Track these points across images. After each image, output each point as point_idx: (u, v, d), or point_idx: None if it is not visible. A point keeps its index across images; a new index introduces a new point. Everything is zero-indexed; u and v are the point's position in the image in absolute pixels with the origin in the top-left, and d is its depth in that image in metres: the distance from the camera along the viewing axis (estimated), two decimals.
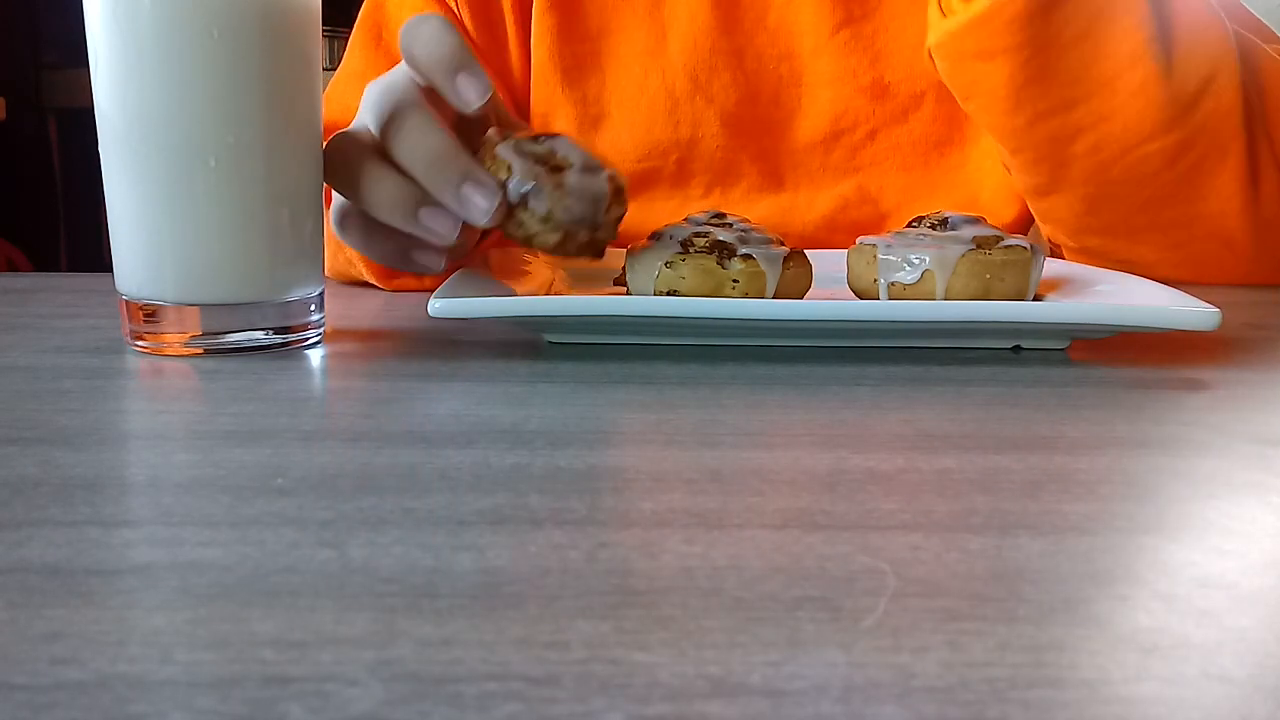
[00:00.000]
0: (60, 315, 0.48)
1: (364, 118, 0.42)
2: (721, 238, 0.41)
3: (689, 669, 0.16)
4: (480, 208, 0.39)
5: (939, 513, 0.23)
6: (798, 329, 0.40)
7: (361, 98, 0.43)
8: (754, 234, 0.41)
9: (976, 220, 0.43)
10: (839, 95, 0.68)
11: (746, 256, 0.40)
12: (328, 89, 0.72)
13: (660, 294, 0.40)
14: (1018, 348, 0.41)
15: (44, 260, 1.94)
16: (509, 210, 0.39)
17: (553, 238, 0.40)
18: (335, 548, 0.20)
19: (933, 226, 0.43)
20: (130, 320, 0.39)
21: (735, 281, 0.40)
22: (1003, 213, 0.68)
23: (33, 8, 1.94)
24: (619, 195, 0.41)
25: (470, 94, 0.39)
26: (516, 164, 0.40)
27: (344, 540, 0.21)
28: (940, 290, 0.40)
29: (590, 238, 0.40)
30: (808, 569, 0.20)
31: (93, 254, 1.95)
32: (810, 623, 0.17)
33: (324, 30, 0.41)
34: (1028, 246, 0.41)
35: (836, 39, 0.67)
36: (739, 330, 0.40)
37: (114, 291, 0.40)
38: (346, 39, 0.72)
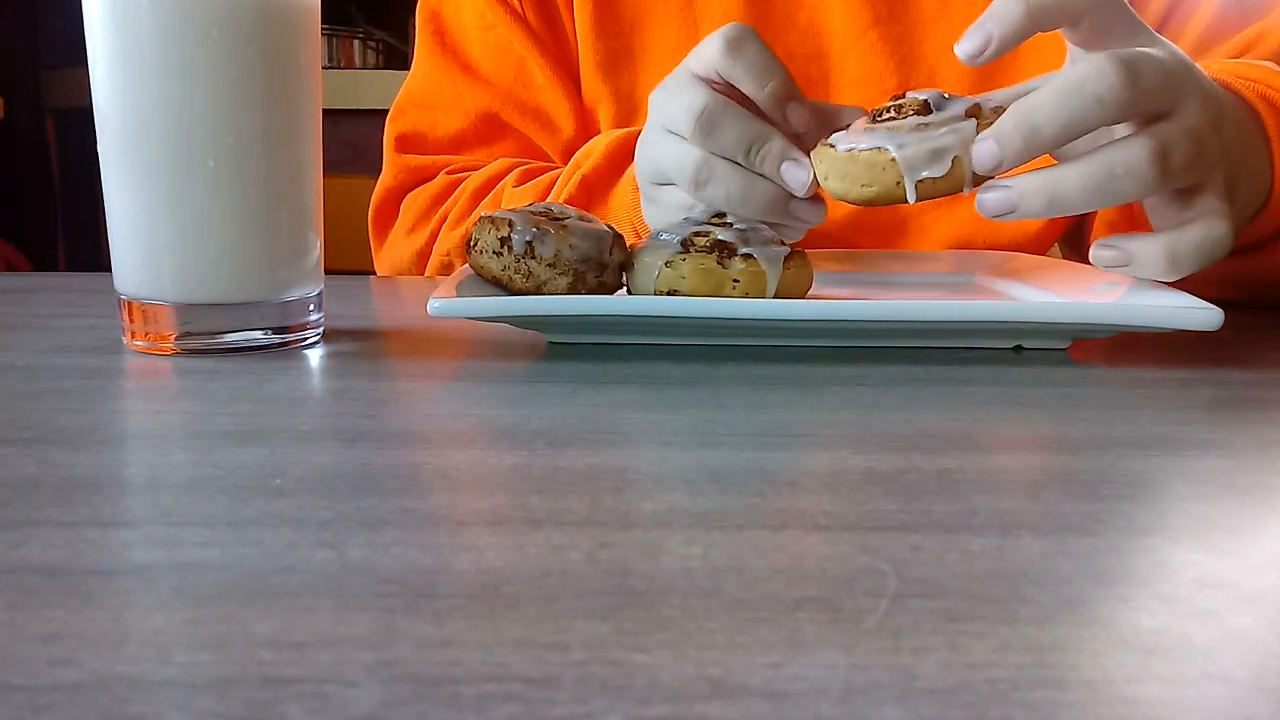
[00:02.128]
0: (60, 315, 0.48)
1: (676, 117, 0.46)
2: (722, 237, 0.41)
3: (689, 670, 0.16)
4: (799, 179, 0.44)
5: (939, 513, 0.23)
6: (798, 329, 0.40)
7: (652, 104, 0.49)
8: (754, 233, 0.41)
9: (944, 97, 0.41)
10: (865, 97, 0.68)
11: (747, 256, 0.40)
12: (401, 97, 0.74)
13: (660, 294, 0.40)
14: (1018, 348, 0.41)
15: (43, 260, 1.93)
16: (515, 262, 0.40)
17: (562, 282, 0.40)
18: (334, 548, 0.20)
19: (917, 112, 0.41)
20: (129, 320, 0.39)
21: (735, 281, 0.39)
22: (1026, 224, 0.67)
23: (33, 8, 1.94)
24: (619, 240, 0.42)
25: (798, 124, 0.46)
26: (516, 217, 0.41)
27: (343, 540, 0.21)
28: (968, 174, 0.39)
29: (598, 281, 0.41)
30: (808, 569, 0.20)
31: (92, 254, 1.95)
32: (810, 623, 0.17)
33: (324, 30, 0.41)
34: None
35: (864, 40, 0.67)
36: (739, 330, 0.40)
37: (113, 291, 0.40)
38: (346, 39, 0.72)
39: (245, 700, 0.15)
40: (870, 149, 0.40)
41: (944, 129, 0.40)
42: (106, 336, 0.42)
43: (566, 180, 0.62)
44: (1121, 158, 0.37)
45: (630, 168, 0.58)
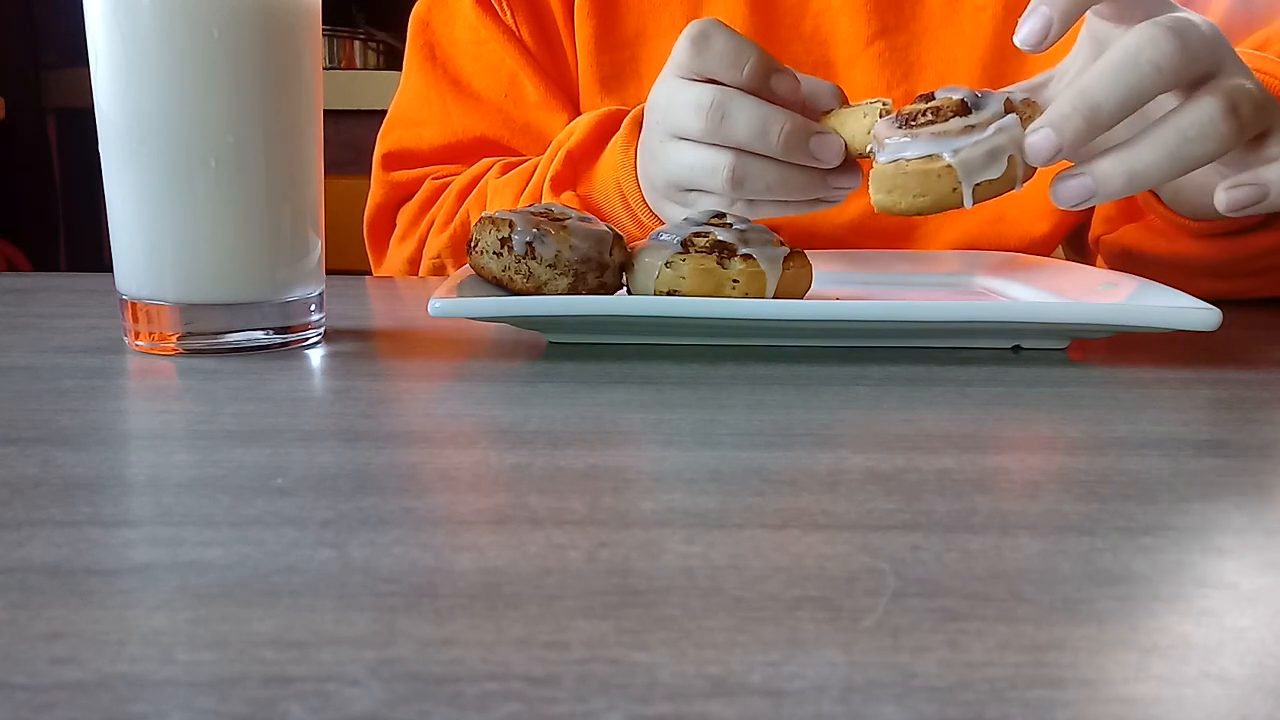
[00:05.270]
0: (60, 315, 0.48)
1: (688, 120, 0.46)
2: (721, 238, 0.41)
3: (689, 669, 0.16)
4: (834, 149, 0.44)
5: (939, 513, 0.23)
6: (798, 329, 0.40)
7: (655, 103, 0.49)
8: (754, 234, 0.41)
9: (976, 94, 0.40)
10: None
11: (746, 256, 0.40)
12: (391, 114, 0.74)
13: (660, 294, 0.40)
14: (1018, 348, 0.41)
15: (44, 260, 1.93)
16: (516, 263, 0.41)
17: (563, 283, 0.40)
18: (335, 547, 0.20)
19: (955, 114, 0.39)
20: (130, 320, 0.39)
21: (735, 281, 0.40)
22: (1032, 228, 0.67)
23: (33, 8, 1.94)
24: (619, 241, 0.42)
25: (787, 93, 0.46)
26: (517, 218, 0.41)
27: (344, 540, 0.21)
28: (1020, 171, 0.39)
29: (598, 281, 0.41)
30: (808, 569, 0.20)
31: (93, 254, 1.95)
32: (810, 623, 0.17)
33: (324, 30, 0.41)
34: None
35: (871, 50, 0.67)
36: (739, 330, 0.40)
37: (114, 291, 0.40)
38: (346, 39, 0.72)
39: (247, 699, 0.15)
40: (920, 157, 0.39)
41: (991, 128, 0.38)
42: (108, 336, 0.42)
43: (551, 158, 0.62)
44: (1192, 120, 0.37)
45: (616, 137, 0.58)
